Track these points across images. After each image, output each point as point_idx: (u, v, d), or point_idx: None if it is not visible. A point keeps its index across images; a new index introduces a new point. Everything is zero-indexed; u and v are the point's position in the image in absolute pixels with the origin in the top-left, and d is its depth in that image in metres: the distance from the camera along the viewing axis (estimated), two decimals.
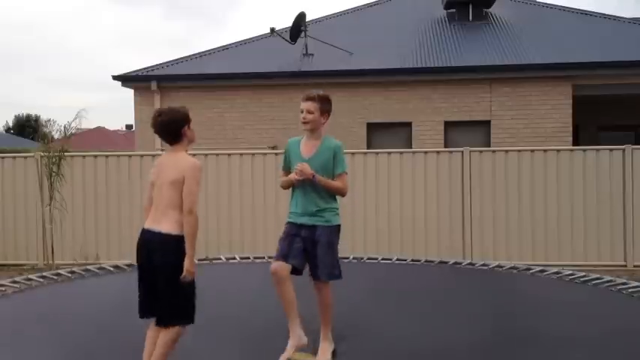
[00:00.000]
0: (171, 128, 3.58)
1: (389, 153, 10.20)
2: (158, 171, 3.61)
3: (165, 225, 3.44)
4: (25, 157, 10.40)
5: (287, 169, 4.22)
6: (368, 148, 12.83)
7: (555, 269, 6.47)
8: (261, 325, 4.60)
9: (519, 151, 10.15)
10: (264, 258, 7.52)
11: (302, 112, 4.21)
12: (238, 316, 4.91)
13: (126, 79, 14.23)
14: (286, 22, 50.18)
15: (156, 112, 3.67)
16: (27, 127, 53.09)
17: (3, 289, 5.66)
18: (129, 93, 14.60)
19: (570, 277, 6.06)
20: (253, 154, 10.40)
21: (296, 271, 4.07)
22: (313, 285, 4.11)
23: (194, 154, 10.63)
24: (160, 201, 3.52)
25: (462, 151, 10.01)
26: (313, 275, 4.08)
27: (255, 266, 6.80)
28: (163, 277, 3.37)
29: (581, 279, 5.97)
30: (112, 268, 6.73)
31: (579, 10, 17.31)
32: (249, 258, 7.16)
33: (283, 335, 4.05)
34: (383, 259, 7.24)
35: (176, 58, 15.30)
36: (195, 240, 3.39)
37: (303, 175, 4.01)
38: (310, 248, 4.06)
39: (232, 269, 7.13)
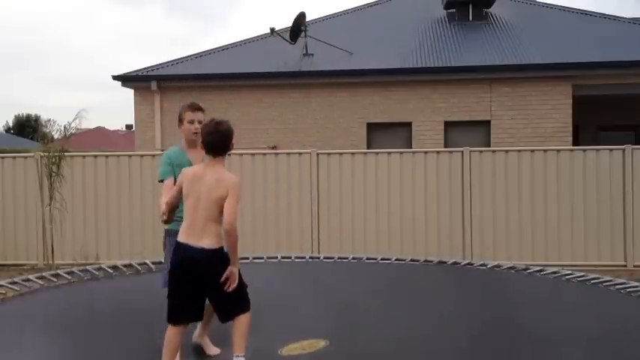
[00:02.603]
0: (226, 139, 3.64)
1: (389, 153, 10.20)
2: (193, 183, 3.61)
3: (207, 240, 3.51)
4: (25, 157, 10.40)
5: (174, 178, 4.07)
6: (368, 148, 12.84)
7: (555, 269, 6.47)
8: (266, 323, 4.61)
9: (519, 151, 10.16)
10: (262, 259, 7.52)
11: (193, 122, 4.26)
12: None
13: (126, 79, 14.23)
14: (286, 22, 50.18)
15: (213, 120, 3.68)
16: (27, 127, 53.08)
17: (3, 291, 5.66)
18: (129, 93, 14.62)
19: (568, 276, 6.07)
20: (253, 154, 10.41)
21: None
22: None
23: None
24: (198, 215, 3.54)
25: (462, 151, 10.01)
26: None
27: (254, 267, 6.80)
28: (217, 285, 3.49)
29: (580, 278, 5.97)
30: (110, 269, 6.73)
31: (579, 10, 17.32)
32: (247, 259, 7.15)
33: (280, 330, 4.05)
34: (382, 259, 7.25)
35: (176, 58, 15.31)
36: (237, 251, 3.55)
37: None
38: None
39: None
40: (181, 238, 3.57)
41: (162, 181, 4.18)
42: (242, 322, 3.57)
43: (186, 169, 3.73)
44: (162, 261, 4.33)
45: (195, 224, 3.54)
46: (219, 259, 3.53)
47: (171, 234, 4.02)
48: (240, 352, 3.52)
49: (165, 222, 3.90)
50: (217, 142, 3.61)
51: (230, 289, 3.49)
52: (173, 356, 3.54)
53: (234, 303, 3.57)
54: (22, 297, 5.54)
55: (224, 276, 3.48)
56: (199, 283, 3.51)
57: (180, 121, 4.35)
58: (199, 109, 4.34)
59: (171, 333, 3.54)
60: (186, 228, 3.57)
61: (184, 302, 3.54)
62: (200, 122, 4.22)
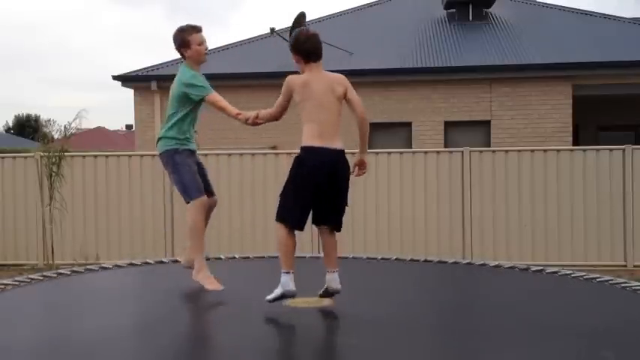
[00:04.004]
0: (320, 43, 3.83)
1: (389, 153, 10.20)
2: (307, 90, 3.66)
3: (339, 142, 3.65)
4: (25, 157, 10.40)
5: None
6: (368, 148, 12.82)
7: (555, 269, 6.47)
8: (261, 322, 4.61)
9: (519, 151, 10.16)
10: (264, 257, 7.50)
11: (202, 44, 4.50)
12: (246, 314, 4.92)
13: (126, 79, 14.24)
14: (286, 22, 50.18)
15: (303, 29, 3.93)
16: (27, 127, 53.06)
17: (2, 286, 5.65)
18: (129, 93, 14.63)
19: (569, 276, 6.07)
20: (253, 154, 10.41)
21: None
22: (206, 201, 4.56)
23: None
24: (326, 118, 3.63)
25: (462, 151, 10.02)
26: (209, 193, 4.56)
27: (254, 265, 6.80)
28: (345, 189, 3.70)
29: (581, 278, 5.97)
30: (110, 267, 6.72)
31: (579, 10, 17.35)
32: (249, 257, 7.14)
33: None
34: (382, 259, 7.25)
35: (176, 58, 15.17)
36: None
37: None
38: (199, 170, 4.55)
39: (232, 268, 7.16)
40: (316, 142, 3.60)
41: (202, 99, 4.55)
42: (336, 240, 3.76)
43: (293, 79, 3.75)
44: (178, 179, 4.48)
45: (326, 127, 3.64)
46: (346, 159, 3.69)
47: (179, 152, 4.35)
48: (336, 267, 3.69)
49: (252, 124, 4.23)
50: (314, 47, 3.78)
51: (362, 175, 3.77)
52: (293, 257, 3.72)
53: (344, 210, 3.72)
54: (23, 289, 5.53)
55: (357, 164, 3.74)
56: (329, 186, 3.60)
57: (186, 45, 4.35)
58: (202, 29, 4.45)
59: (290, 236, 3.76)
60: (317, 132, 3.61)
61: (310, 206, 3.69)
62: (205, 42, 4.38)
